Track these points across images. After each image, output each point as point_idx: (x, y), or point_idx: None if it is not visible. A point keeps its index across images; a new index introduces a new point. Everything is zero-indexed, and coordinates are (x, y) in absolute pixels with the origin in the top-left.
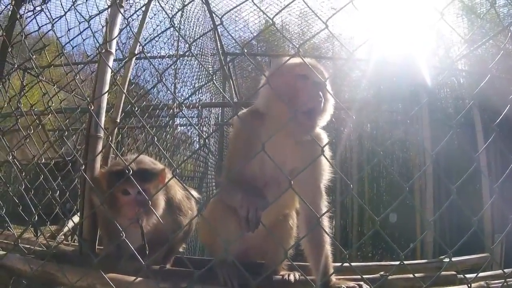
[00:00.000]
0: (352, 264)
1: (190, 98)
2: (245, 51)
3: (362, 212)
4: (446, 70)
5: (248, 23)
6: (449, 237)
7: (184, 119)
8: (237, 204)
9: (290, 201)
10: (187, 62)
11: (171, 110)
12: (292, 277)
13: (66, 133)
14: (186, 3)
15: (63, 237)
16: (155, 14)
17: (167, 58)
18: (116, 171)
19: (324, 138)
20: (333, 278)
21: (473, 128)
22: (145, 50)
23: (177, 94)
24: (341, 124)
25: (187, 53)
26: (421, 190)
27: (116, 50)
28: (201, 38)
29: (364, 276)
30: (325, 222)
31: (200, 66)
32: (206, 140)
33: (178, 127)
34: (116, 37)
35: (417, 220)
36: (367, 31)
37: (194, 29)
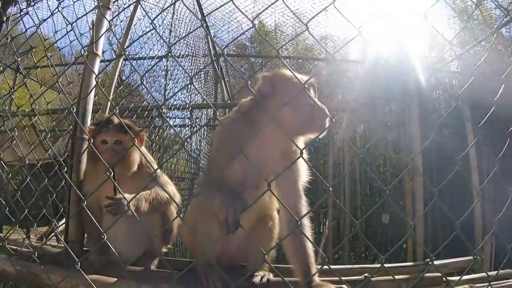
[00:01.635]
0: (340, 266)
1: (181, 100)
2: (225, 53)
3: (355, 212)
4: (437, 71)
5: (241, 24)
6: (441, 238)
7: (174, 120)
8: (215, 206)
9: (269, 203)
10: (179, 65)
11: (158, 111)
12: (265, 279)
13: (49, 134)
14: (170, 4)
15: (54, 238)
16: (144, 16)
17: (156, 59)
18: (97, 123)
19: (302, 142)
20: (317, 278)
21: (465, 129)
22: (134, 51)
23: (167, 95)
24: (333, 125)
25: (168, 55)
26: (412, 191)
27: (106, 51)
28: (193, 39)
29: (349, 278)
30: (306, 222)
31: (192, 66)
32: (201, 142)
33: (169, 128)
34: (99, 38)
35: (410, 221)
36: (360, 32)
37: (186, 29)
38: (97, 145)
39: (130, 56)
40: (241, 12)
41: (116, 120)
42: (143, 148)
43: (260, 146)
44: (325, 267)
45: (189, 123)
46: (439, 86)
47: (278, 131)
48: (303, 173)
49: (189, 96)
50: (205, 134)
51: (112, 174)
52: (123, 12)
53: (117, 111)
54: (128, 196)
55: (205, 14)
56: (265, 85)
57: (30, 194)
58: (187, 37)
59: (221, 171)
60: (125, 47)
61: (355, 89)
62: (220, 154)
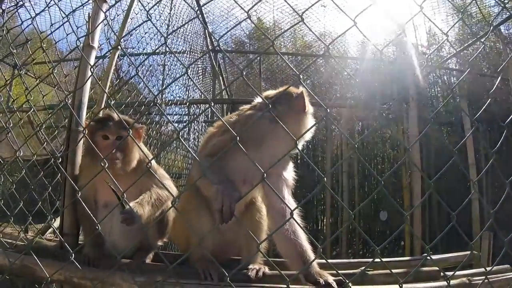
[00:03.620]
0: (337, 260)
1: (179, 96)
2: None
3: (352, 209)
4: (435, 68)
5: (240, 20)
6: (439, 234)
7: (172, 116)
8: (212, 195)
9: (255, 193)
10: (176, 58)
11: (155, 105)
12: (260, 272)
13: (43, 125)
14: None
15: (52, 234)
16: (141, 9)
17: (154, 54)
18: (98, 119)
19: None
20: (316, 267)
21: (463, 127)
22: (131, 46)
23: (165, 90)
24: (331, 122)
25: (163, 48)
26: (409, 188)
27: (102, 44)
28: (191, 36)
29: (346, 271)
30: (296, 215)
31: (190, 62)
32: (199, 138)
33: (166, 123)
34: (94, 29)
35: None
36: (356, 23)
37: (184, 24)
38: (97, 140)
39: (128, 51)
40: (237, 4)
41: (117, 116)
42: (141, 144)
43: (270, 145)
44: (323, 261)
45: (187, 119)
46: (437, 83)
47: (288, 134)
48: (290, 170)
49: (187, 92)
50: (203, 130)
51: (107, 165)
52: (119, 5)
53: (113, 102)
54: (131, 203)
55: (202, 6)
56: (301, 100)
57: (27, 190)
58: (184, 33)
59: (224, 160)
60: (119, 39)
61: (353, 86)
62: (228, 142)
